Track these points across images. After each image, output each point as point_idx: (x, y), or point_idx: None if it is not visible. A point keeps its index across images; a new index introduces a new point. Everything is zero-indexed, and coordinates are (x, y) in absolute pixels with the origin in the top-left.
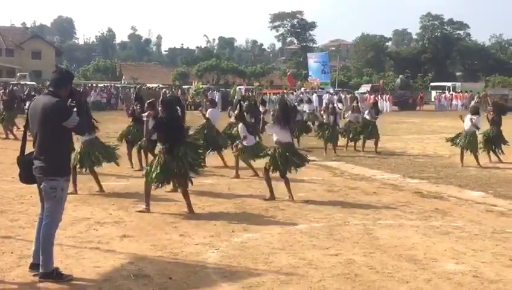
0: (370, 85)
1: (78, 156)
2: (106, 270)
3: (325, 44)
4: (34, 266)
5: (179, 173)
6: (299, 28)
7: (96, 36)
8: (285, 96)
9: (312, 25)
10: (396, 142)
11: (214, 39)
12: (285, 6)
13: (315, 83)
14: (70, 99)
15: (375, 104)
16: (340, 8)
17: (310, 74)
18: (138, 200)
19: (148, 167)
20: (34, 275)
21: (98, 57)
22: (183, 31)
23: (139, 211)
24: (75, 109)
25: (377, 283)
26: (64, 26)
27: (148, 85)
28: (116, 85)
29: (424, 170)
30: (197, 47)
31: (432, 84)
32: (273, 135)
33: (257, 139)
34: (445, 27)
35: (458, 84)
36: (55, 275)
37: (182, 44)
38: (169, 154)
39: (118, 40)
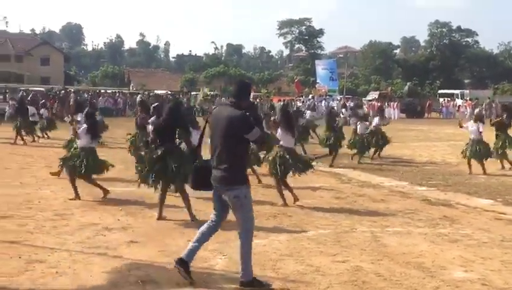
0: (378, 92)
1: (74, 162)
2: (114, 276)
3: (333, 51)
4: (180, 262)
5: (177, 179)
6: (307, 35)
7: (104, 42)
8: (288, 102)
9: (320, 32)
10: (404, 150)
11: (221, 46)
12: (293, 14)
13: (323, 90)
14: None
15: (381, 110)
16: (348, 15)
17: (317, 81)
18: (146, 206)
19: (139, 167)
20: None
21: (106, 64)
22: (191, 37)
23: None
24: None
25: None
26: (73, 33)
27: (156, 92)
28: (123, 91)
29: (432, 178)
30: (205, 54)
31: (440, 91)
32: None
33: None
34: (454, 34)
35: (466, 91)
36: (255, 284)
37: (190, 51)
38: (161, 157)
39: (126, 47)
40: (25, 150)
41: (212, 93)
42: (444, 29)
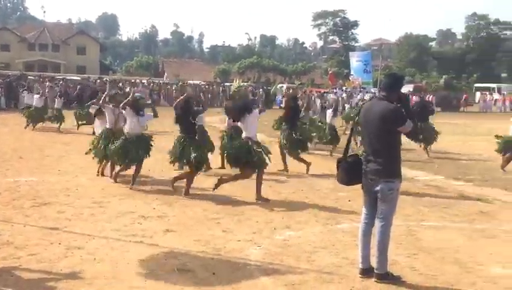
0: (412, 85)
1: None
2: (150, 263)
3: (368, 43)
4: (364, 272)
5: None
6: (341, 27)
7: (139, 33)
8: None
9: (354, 24)
10: (439, 143)
11: (255, 37)
12: (327, 5)
13: (357, 83)
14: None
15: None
16: (383, 7)
17: (351, 73)
18: (181, 195)
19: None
20: (363, 278)
21: (140, 53)
22: (224, 28)
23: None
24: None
25: (420, 284)
26: (109, 23)
27: (190, 82)
28: (159, 81)
29: (468, 172)
30: (239, 45)
31: (476, 85)
32: None
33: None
34: (491, 27)
35: (504, 85)
36: (390, 277)
37: (224, 41)
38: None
39: (160, 37)
40: (64, 139)
41: (245, 84)
42: (481, 22)
